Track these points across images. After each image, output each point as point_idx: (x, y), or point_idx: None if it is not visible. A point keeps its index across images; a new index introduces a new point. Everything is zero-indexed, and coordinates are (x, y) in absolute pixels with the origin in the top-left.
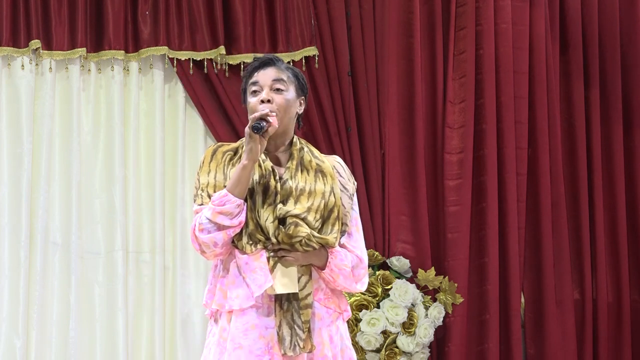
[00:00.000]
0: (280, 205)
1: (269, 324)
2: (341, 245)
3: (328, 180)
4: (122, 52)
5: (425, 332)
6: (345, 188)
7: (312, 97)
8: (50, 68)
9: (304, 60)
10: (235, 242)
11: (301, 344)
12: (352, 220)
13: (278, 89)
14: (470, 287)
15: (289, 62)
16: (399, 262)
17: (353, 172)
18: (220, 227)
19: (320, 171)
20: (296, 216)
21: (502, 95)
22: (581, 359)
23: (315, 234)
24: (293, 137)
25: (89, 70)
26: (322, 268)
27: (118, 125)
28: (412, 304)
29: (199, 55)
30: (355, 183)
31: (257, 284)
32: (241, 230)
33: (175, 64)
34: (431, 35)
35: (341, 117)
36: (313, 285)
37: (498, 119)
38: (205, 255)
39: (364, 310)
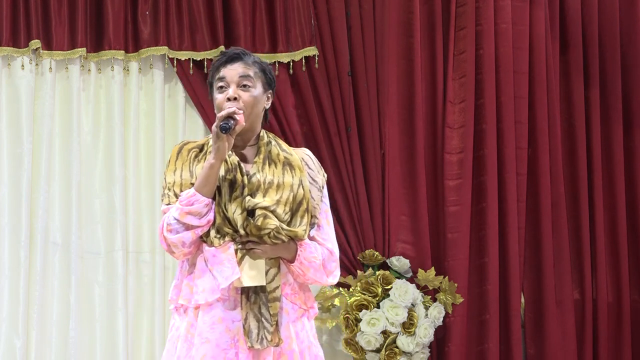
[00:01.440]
0: (248, 197)
1: (235, 317)
2: (311, 238)
3: (296, 173)
4: (122, 52)
5: (425, 332)
6: (315, 180)
7: (312, 97)
8: (50, 68)
9: (304, 60)
10: (202, 237)
11: (269, 337)
12: (322, 213)
13: (245, 86)
14: (470, 287)
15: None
16: (399, 262)
17: (353, 172)
18: (188, 227)
19: (288, 164)
20: (265, 208)
21: (502, 95)
22: (581, 359)
23: (284, 226)
24: (260, 132)
25: (89, 70)
26: (291, 261)
27: (118, 125)
28: (412, 304)
29: (199, 55)
30: (325, 175)
31: (223, 276)
32: None
33: (175, 64)
34: (431, 35)
35: (341, 117)
36: (281, 279)
37: (498, 119)
38: (175, 255)
39: (364, 310)
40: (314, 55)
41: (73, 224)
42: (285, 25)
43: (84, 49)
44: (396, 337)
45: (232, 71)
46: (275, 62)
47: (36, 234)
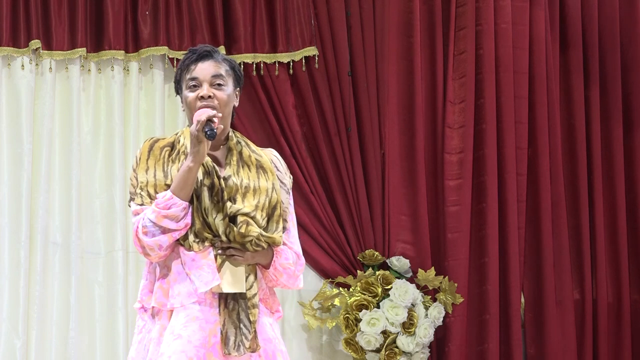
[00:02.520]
0: (229, 203)
1: (209, 318)
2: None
3: (269, 177)
4: (122, 52)
5: (425, 332)
6: (283, 183)
7: (312, 97)
8: (50, 68)
9: (304, 60)
10: (180, 240)
11: (247, 344)
12: (289, 215)
13: (218, 84)
14: (470, 287)
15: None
16: (399, 262)
17: (353, 172)
18: (165, 231)
19: (260, 167)
20: (246, 214)
21: (502, 95)
22: (581, 359)
23: (264, 233)
24: (229, 131)
25: (89, 70)
26: (267, 267)
27: (118, 125)
28: (412, 304)
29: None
30: (292, 177)
31: (203, 281)
32: None
33: (175, 64)
34: (431, 35)
35: (341, 117)
36: (259, 285)
37: (498, 119)
38: (150, 257)
39: (364, 310)
40: (314, 55)
41: (73, 224)
42: (285, 25)
43: (84, 49)
44: (396, 337)
45: (204, 70)
46: (275, 62)
47: (36, 234)
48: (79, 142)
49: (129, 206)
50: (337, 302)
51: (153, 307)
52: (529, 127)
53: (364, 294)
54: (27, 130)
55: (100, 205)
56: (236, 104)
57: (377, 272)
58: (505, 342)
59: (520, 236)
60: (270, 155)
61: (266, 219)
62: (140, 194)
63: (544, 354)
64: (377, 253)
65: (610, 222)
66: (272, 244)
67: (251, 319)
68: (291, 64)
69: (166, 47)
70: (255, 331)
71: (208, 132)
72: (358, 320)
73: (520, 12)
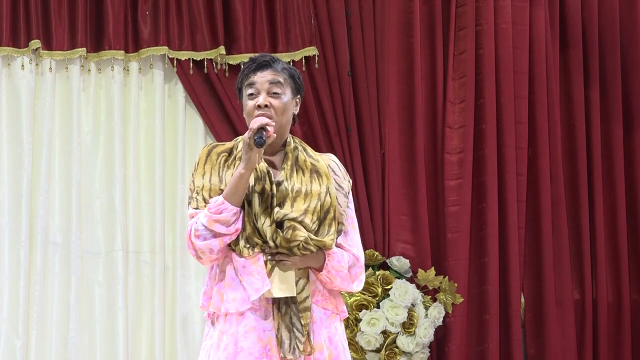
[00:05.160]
0: (277, 209)
1: (266, 326)
2: (338, 245)
3: (323, 181)
4: (122, 52)
5: (425, 332)
6: (341, 186)
7: (312, 97)
8: (50, 68)
9: (304, 60)
10: (232, 246)
11: (301, 347)
12: (348, 219)
13: (275, 93)
14: (470, 287)
15: (289, 62)
16: (399, 262)
17: (353, 172)
18: (216, 235)
19: (315, 171)
20: (293, 219)
21: (502, 95)
22: (581, 359)
23: (313, 236)
24: (287, 137)
25: (89, 70)
26: (320, 270)
27: (118, 125)
28: (412, 304)
29: (199, 55)
30: (351, 181)
31: (254, 288)
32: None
33: (175, 64)
34: (431, 35)
35: (341, 117)
36: (311, 288)
37: (498, 119)
38: (202, 260)
39: (364, 310)
40: (314, 55)
41: (73, 224)
42: (285, 25)
43: (84, 49)
44: (396, 337)
45: (262, 78)
46: None
47: (36, 234)
48: (79, 142)
49: (187, 210)
50: None
51: (213, 312)
52: (529, 127)
53: (364, 294)
54: (27, 130)
55: (100, 205)
56: (295, 112)
57: (377, 272)
58: (505, 342)
59: (520, 236)
60: (328, 160)
61: (317, 222)
62: (195, 198)
63: (544, 354)
64: (377, 253)
65: (610, 222)
66: (322, 247)
67: (303, 322)
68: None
69: (166, 47)
70: (308, 334)
71: (256, 139)
72: (358, 320)
73: (520, 12)
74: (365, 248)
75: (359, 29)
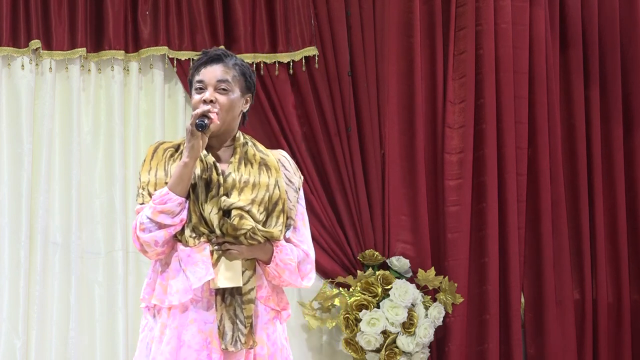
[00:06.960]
0: (224, 198)
1: (208, 318)
2: (287, 240)
3: (273, 174)
4: (122, 52)
5: (425, 332)
6: (291, 182)
7: (312, 97)
8: (50, 68)
9: (304, 60)
10: (177, 236)
11: (242, 339)
12: (299, 215)
13: (223, 89)
14: (470, 287)
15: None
16: (399, 262)
17: (353, 172)
18: (161, 226)
19: (264, 164)
20: (240, 208)
21: (502, 95)
22: (581, 359)
23: (260, 227)
24: (236, 134)
25: (89, 70)
26: (267, 263)
27: (118, 125)
28: (412, 304)
29: (199, 56)
30: (302, 177)
31: (196, 277)
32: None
33: (175, 64)
34: (431, 35)
35: (341, 117)
36: (256, 282)
37: (498, 119)
38: (147, 254)
39: (364, 310)
40: (314, 55)
41: (73, 224)
42: (285, 25)
43: (84, 49)
44: (396, 337)
45: (210, 74)
46: (275, 62)
47: (36, 234)
48: (79, 142)
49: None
50: (337, 302)
51: (155, 305)
52: (529, 127)
53: (364, 294)
54: (27, 130)
55: (100, 205)
56: (244, 110)
57: (377, 272)
58: (505, 342)
59: (520, 236)
60: (278, 155)
61: (265, 213)
62: (142, 193)
63: (544, 354)
64: (377, 253)
65: (610, 222)
66: (270, 239)
67: (246, 314)
68: (291, 64)
69: (166, 47)
70: (251, 326)
71: (198, 123)
72: (358, 320)
73: (520, 12)
74: (365, 248)
75: (359, 29)
